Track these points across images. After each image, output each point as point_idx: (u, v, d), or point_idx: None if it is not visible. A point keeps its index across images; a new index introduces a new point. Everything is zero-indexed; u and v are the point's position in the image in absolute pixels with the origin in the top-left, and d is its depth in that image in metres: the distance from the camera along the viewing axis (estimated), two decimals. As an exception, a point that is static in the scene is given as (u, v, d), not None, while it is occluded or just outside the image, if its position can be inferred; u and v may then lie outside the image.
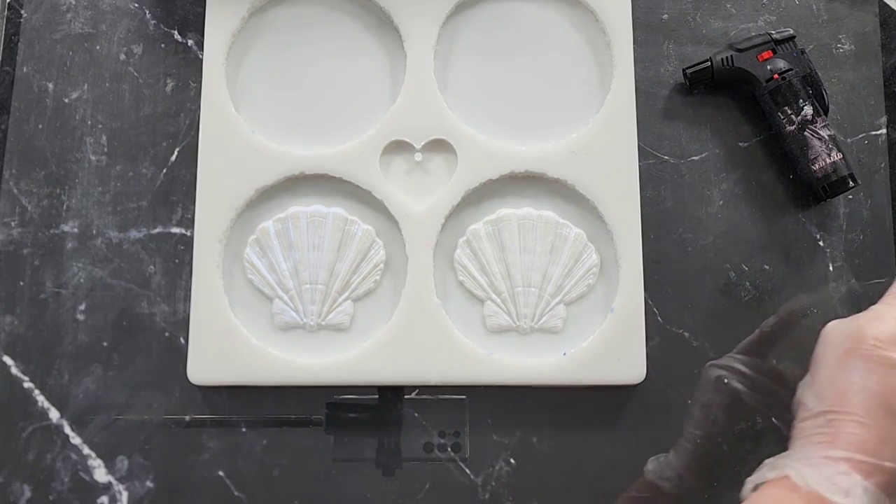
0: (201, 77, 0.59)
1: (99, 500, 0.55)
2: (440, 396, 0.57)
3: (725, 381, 0.56)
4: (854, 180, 0.58)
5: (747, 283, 0.59)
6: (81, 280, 0.58)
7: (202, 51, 0.60)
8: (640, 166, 0.58)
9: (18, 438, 0.56)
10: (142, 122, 0.60)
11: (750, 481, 0.41)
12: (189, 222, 0.58)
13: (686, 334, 0.58)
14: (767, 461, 0.42)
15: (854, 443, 0.36)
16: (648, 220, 0.58)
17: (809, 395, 0.40)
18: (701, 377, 0.57)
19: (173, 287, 0.58)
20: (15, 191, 0.59)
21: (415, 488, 0.56)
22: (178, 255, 0.58)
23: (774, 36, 0.60)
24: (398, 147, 0.59)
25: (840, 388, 0.38)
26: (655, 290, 0.58)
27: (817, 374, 0.41)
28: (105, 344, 0.57)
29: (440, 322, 0.56)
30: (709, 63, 0.60)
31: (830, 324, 0.43)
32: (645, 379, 0.56)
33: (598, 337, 0.56)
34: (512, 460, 0.56)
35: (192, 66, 0.61)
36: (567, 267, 0.57)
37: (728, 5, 0.63)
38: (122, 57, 0.61)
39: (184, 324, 0.57)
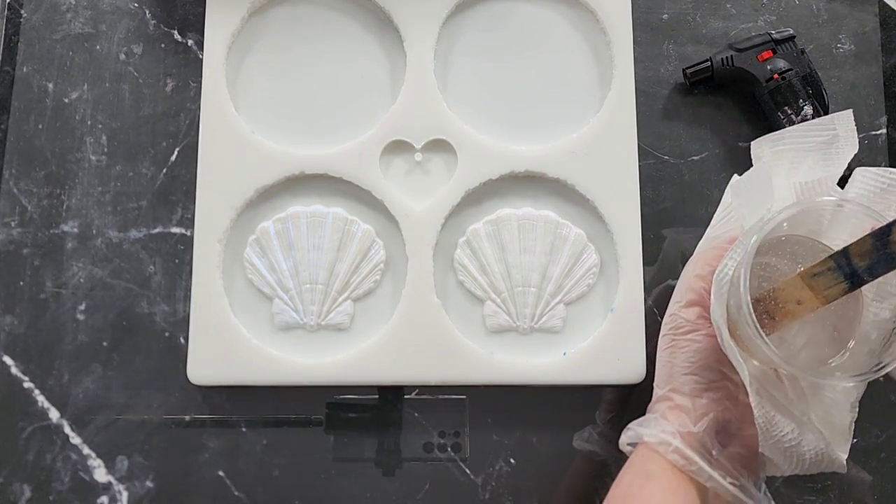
0: (201, 77, 0.59)
1: (99, 500, 0.55)
2: (440, 396, 0.57)
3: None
4: (854, 180, 0.58)
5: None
6: (81, 280, 0.58)
7: (202, 51, 0.60)
8: (640, 166, 0.58)
9: (18, 438, 0.56)
10: (142, 122, 0.60)
11: (620, 443, 0.49)
12: (189, 222, 0.58)
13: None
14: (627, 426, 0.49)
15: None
16: (648, 220, 0.58)
17: None
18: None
19: (173, 287, 0.58)
20: (15, 191, 0.59)
21: (415, 488, 0.56)
22: (178, 255, 0.58)
23: (774, 36, 0.60)
24: (398, 147, 0.59)
25: None
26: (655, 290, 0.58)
27: None
28: (105, 344, 0.57)
29: (440, 322, 0.56)
30: (709, 63, 0.60)
31: None
32: (645, 379, 0.56)
33: (598, 337, 0.56)
34: (512, 460, 0.56)
35: (192, 66, 0.61)
36: (567, 267, 0.57)
37: (728, 5, 0.63)
38: (122, 57, 0.61)
39: (184, 324, 0.57)
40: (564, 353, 0.56)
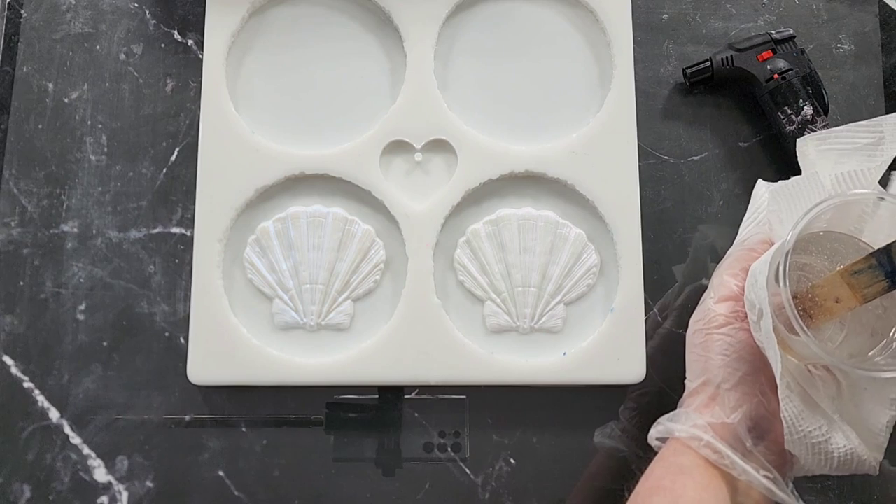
0: (201, 77, 0.59)
1: (99, 500, 0.55)
2: (440, 396, 0.57)
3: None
4: (854, 180, 0.58)
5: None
6: (81, 280, 0.58)
7: (202, 51, 0.60)
8: (640, 166, 0.58)
9: (18, 438, 0.56)
10: (142, 122, 0.60)
11: (649, 438, 0.48)
12: (189, 222, 0.58)
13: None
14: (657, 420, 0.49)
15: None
16: (648, 220, 0.58)
17: None
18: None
19: (173, 287, 0.58)
20: (15, 191, 0.59)
21: (415, 488, 0.56)
22: (178, 255, 0.58)
23: (774, 36, 0.60)
24: (398, 147, 0.59)
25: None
26: (655, 290, 0.58)
27: None
28: (105, 344, 0.57)
29: (440, 322, 0.56)
30: (709, 63, 0.60)
31: None
32: (645, 379, 0.56)
33: (598, 337, 0.56)
34: (512, 460, 0.56)
35: (192, 66, 0.61)
36: (567, 267, 0.57)
37: (728, 5, 0.63)
38: (122, 57, 0.61)
39: (184, 324, 0.57)
40: (564, 353, 0.56)
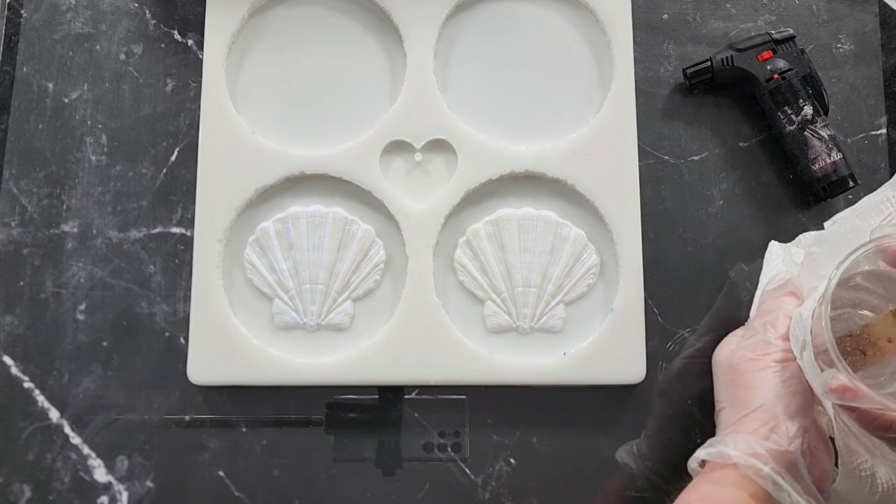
0: (201, 77, 0.59)
1: (99, 500, 0.55)
2: (440, 396, 0.57)
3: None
4: (854, 180, 0.58)
5: (747, 283, 0.59)
6: (81, 280, 0.58)
7: (202, 51, 0.60)
8: (640, 166, 0.58)
9: (18, 438, 0.56)
10: (142, 122, 0.60)
11: (693, 459, 0.48)
12: (189, 222, 0.58)
13: (686, 334, 0.58)
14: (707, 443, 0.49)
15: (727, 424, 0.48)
16: (648, 220, 0.58)
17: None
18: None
19: (173, 287, 0.58)
20: (15, 191, 0.59)
21: (415, 488, 0.56)
22: (178, 255, 0.58)
23: (774, 36, 0.60)
24: (398, 147, 0.59)
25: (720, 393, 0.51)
26: (655, 290, 0.58)
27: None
28: (105, 344, 0.57)
29: (440, 322, 0.56)
30: (709, 63, 0.60)
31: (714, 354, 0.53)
32: (645, 379, 0.56)
33: (598, 337, 0.56)
34: (512, 460, 0.56)
35: (192, 66, 0.61)
36: (567, 267, 0.57)
37: (728, 5, 0.63)
38: (122, 57, 0.61)
39: (184, 324, 0.57)
40: (564, 353, 0.56)
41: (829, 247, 0.49)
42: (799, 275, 0.51)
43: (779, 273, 0.53)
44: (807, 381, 0.46)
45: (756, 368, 0.48)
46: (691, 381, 0.57)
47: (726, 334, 0.53)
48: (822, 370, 0.44)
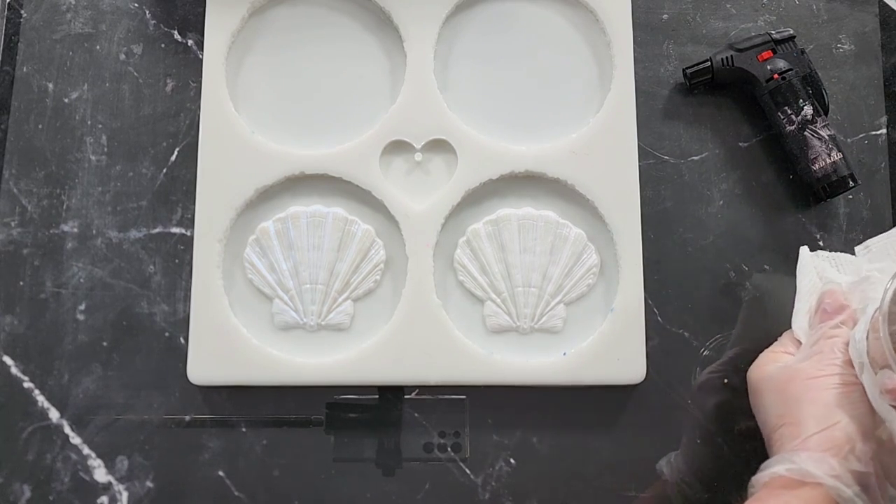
0: (201, 77, 0.59)
1: (99, 500, 0.55)
2: (440, 396, 0.57)
3: (725, 381, 0.57)
4: (854, 180, 0.58)
5: (747, 283, 0.59)
6: (81, 280, 0.58)
7: (202, 51, 0.60)
8: (640, 166, 0.58)
9: (18, 438, 0.56)
10: (142, 122, 0.60)
11: (766, 473, 0.48)
12: (189, 222, 0.58)
13: (686, 334, 0.58)
14: (766, 462, 0.48)
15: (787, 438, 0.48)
16: (648, 220, 0.58)
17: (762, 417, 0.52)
18: (698, 381, 0.57)
19: (173, 287, 0.58)
20: (15, 191, 0.59)
21: (415, 488, 0.56)
22: (178, 255, 0.58)
23: (774, 36, 0.60)
24: (398, 147, 0.59)
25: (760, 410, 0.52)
26: (655, 290, 0.58)
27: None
28: (105, 344, 0.57)
29: (440, 322, 0.56)
30: (709, 63, 0.60)
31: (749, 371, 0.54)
32: (645, 379, 0.56)
33: (598, 337, 0.56)
34: (512, 460, 0.56)
35: (192, 66, 0.61)
36: (567, 267, 0.57)
37: (728, 5, 0.63)
38: (122, 57, 0.61)
39: (184, 324, 0.57)
40: (564, 353, 0.56)
41: (879, 263, 0.51)
42: (847, 295, 0.52)
43: (826, 284, 0.53)
44: (870, 403, 0.47)
45: (824, 387, 0.48)
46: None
47: (754, 348, 0.54)
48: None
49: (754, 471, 0.48)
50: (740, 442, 0.56)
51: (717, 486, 0.55)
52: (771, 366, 0.52)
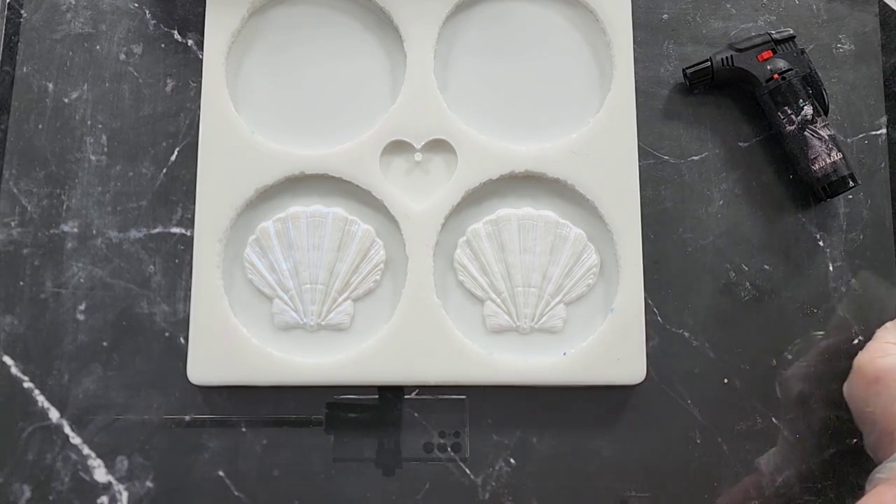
0: (201, 77, 0.59)
1: (99, 500, 0.55)
2: (440, 396, 0.57)
3: (725, 380, 0.57)
4: (854, 180, 0.58)
5: (747, 283, 0.59)
6: (81, 280, 0.58)
7: (202, 51, 0.60)
8: (640, 166, 0.58)
9: (18, 438, 0.56)
10: (142, 122, 0.60)
11: (874, 477, 0.49)
12: (189, 222, 0.58)
13: (686, 334, 0.58)
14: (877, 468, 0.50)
15: None
16: (648, 220, 0.58)
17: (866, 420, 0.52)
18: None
19: (173, 287, 0.58)
20: (15, 191, 0.59)
21: (415, 488, 0.56)
22: (178, 255, 0.58)
23: (774, 36, 0.60)
24: (398, 147, 0.59)
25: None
26: (655, 290, 0.58)
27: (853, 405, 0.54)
28: (105, 344, 0.57)
29: (440, 322, 0.56)
30: (709, 63, 0.60)
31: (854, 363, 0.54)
32: (645, 379, 0.56)
33: (598, 337, 0.56)
34: (512, 460, 0.56)
35: (192, 66, 0.61)
36: (567, 267, 0.57)
37: (728, 5, 0.63)
38: (122, 57, 0.61)
39: (184, 324, 0.57)
40: (564, 353, 0.56)
41: None
42: None
43: None
44: None
45: None
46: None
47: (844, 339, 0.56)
48: None
49: (855, 470, 0.50)
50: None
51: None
52: (890, 357, 0.52)
